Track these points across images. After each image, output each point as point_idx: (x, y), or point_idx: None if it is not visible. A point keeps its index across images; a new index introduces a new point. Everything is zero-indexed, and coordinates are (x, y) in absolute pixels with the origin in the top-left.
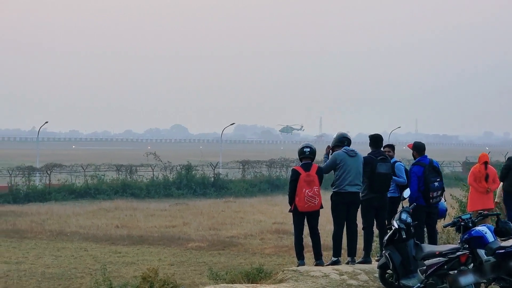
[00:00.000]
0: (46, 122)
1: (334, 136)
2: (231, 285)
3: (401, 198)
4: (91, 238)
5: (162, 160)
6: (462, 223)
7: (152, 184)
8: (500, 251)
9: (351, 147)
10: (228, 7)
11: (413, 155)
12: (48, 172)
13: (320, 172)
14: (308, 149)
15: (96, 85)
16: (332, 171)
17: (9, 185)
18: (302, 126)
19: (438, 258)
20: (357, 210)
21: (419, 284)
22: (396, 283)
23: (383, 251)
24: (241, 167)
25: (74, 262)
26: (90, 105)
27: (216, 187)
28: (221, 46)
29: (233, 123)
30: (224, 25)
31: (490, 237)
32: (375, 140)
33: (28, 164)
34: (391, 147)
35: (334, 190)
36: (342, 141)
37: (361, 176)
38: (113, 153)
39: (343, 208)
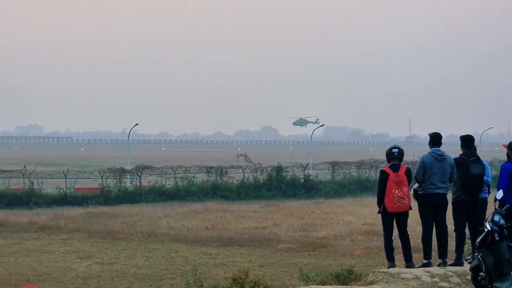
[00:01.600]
0: (137, 124)
1: (428, 136)
2: (322, 286)
3: (494, 200)
4: (181, 239)
5: (252, 162)
6: None
7: (242, 185)
8: None
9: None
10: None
11: (507, 154)
12: (139, 174)
13: (409, 173)
14: (397, 150)
15: (187, 87)
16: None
17: (101, 186)
18: (318, 119)
19: None
20: (445, 212)
21: None
22: (489, 286)
23: (476, 253)
24: (330, 168)
25: (165, 263)
26: (180, 107)
27: (306, 188)
28: (313, 48)
29: (323, 125)
30: (322, 26)
31: None
32: (467, 141)
33: (119, 166)
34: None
35: (420, 192)
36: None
37: (448, 177)
38: (204, 155)
39: (430, 210)
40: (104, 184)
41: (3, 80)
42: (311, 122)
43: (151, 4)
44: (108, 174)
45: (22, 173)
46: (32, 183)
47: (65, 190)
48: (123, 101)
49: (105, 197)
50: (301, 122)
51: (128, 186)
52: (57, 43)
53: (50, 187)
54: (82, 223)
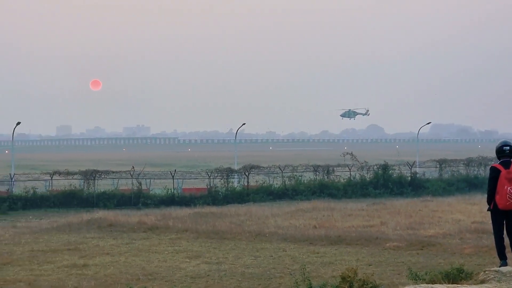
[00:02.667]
0: (244, 124)
1: None
2: (432, 285)
3: None
4: (289, 238)
5: (358, 160)
6: None
7: (349, 184)
8: None
9: None
10: None
11: None
12: (246, 173)
13: None
14: (508, 148)
15: (291, 87)
16: None
17: (209, 187)
18: (367, 110)
19: None
20: None
21: None
22: None
23: None
24: (437, 166)
25: (273, 262)
26: (286, 106)
27: (413, 187)
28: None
29: (429, 122)
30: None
31: None
32: None
33: (226, 166)
34: None
35: None
36: None
37: None
38: (310, 154)
39: None
40: (211, 184)
41: (112, 83)
42: (360, 113)
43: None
44: (216, 174)
45: (130, 174)
46: (140, 183)
47: (172, 191)
48: (230, 101)
49: (212, 197)
50: (349, 114)
51: (235, 186)
52: (162, 46)
53: (158, 188)
54: (190, 223)
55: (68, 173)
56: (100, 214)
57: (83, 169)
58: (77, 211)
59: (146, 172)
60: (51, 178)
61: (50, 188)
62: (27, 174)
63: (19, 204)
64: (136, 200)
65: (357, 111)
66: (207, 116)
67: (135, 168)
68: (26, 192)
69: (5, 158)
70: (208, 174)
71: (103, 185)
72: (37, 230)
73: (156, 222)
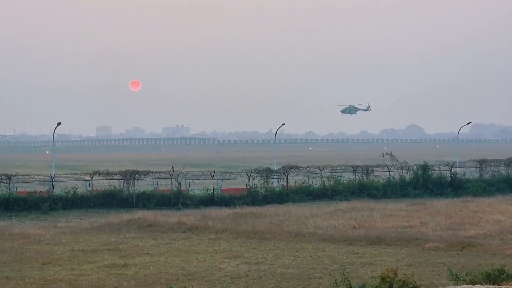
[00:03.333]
0: (283, 124)
1: None
2: (472, 286)
3: None
4: (328, 238)
5: (398, 160)
6: None
7: (388, 184)
8: None
9: None
10: None
11: None
12: (285, 174)
13: None
14: None
15: (331, 87)
16: None
17: (248, 187)
18: (369, 106)
19: None
20: None
21: None
22: None
23: None
24: (478, 166)
25: (312, 262)
26: (326, 107)
27: (453, 187)
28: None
29: (470, 122)
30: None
31: None
32: None
33: (265, 166)
34: None
35: None
36: None
37: None
38: (349, 154)
39: None
40: (251, 185)
41: (152, 84)
42: (362, 109)
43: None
44: (255, 175)
45: (170, 174)
46: (179, 184)
47: (212, 191)
48: (269, 101)
49: (252, 198)
50: (350, 110)
51: (275, 186)
52: (201, 46)
53: (197, 188)
54: (229, 223)
55: (108, 174)
56: (139, 214)
57: (123, 169)
58: (117, 211)
59: (185, 173)
60: (91, 178)
61: (90, 188)
62: (67, 174)
63: (59, 204)
64: (175, 200)
65: (358, 106)
66: (246, 117)
67: (174, 169)
68: (66, 192)
69: (46, 158)
70: (247, 175)
71: (142, 186)
72: (78, 230)
73: (196, 222)
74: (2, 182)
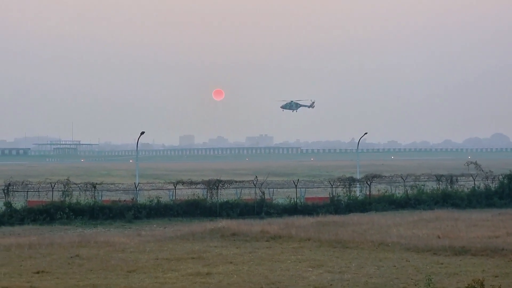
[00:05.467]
0: (366, 134)
1: None
2: None
3: None
4: (412, 248)
5: (483, 170)
6: None
7: (473, 194)
8: None
9: None
10: None
11: None
12: (368, 182)
13: None
14: None
15: (412, 96)
16: None
17: (331, 196)
18: (313, 102)
19: None
20: None
21: None
22: None
23: None
24: None
25: (396, 272)
26: (408, 115)
27: None
28: None
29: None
30: None
31: None
32: None
33: (348, 175)
34: None
35: None
36: None
37: None
38: (432, 163)
39: None
40: (333, 193)
41: (235, 93)
42: (305, 105)
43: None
44: (338, 183)
45: (253, 183)
46: (263, 193)
47: (295, 200)
48: (352, 110)
49: (335, 206)
50: (291, 106)
51: (357, 195)
52: (283, 55)
53: (280, 197)
54: (312, 232)
55: (191, 183)
56: (223, 223)
57: (206, 178)
58: (201, 220)
59: (269, 182)
60: (175, 187)
61: (174, 197)
62: (151, 183)
63: (143, 212)
64: (259, 209)
65: (301, 103)
66: (329, 126)
67: (258, 178)
68: (150, 201)
69: (130, 167)
70: (330, 183)
71: (226, 195)
72: (161, 239)
73: (279, 231)
74: (88, 191)
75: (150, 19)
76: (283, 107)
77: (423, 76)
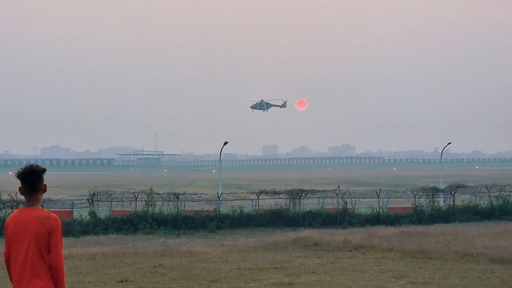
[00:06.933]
0: (449, 143)
1: None
2: None
3: None
4: (497, 259)
5: None
6: None
7: None
8: None
9: None
10: None
11: None
12: (452, 192)
13: None
14: None
15: (495, 104)
16: None
17: (414, 206)
18: (285, 102)
19: None
20: None
21: None
22: None
23: None
24: None
25: (481, 283)
26: (493, 124)
27: None
28: None
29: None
30: None
31: None
32: None
33: (431, 185)
34: None
35: None
36: None
37: None
38: None
39: None
40: (416, 203)
41: (318, 103)
42: (276, 105)
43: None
44: (421, 193)
45: (335, 193)
46: (345, 202)
47: (378, 210)
48: (435, 120)
49: (418, 216)
50: (261, 106)
51: (441, 205)
52: (361, 64)
53: (363, 207)
54: (395, 242)
55: (274, 193)
56: (305, 233)
57: (289, 188)
58: (283, 230)
59: (351, 191)
60: (258, 197)
61: (257, 207)
62: (234, 193)
63: (226, 223)
64: (341, 219)
65: (272, 102)
66: (412, 136)
67: (340, 187)
68: (233, 211)
69: (213, 177)
70: (413, 193)
71: (308, 204)
72: (244, 249)
73: (362, 241)
74: (171, 201)
75: (238, 33)
76: (253, 107)
77: (509, 85)
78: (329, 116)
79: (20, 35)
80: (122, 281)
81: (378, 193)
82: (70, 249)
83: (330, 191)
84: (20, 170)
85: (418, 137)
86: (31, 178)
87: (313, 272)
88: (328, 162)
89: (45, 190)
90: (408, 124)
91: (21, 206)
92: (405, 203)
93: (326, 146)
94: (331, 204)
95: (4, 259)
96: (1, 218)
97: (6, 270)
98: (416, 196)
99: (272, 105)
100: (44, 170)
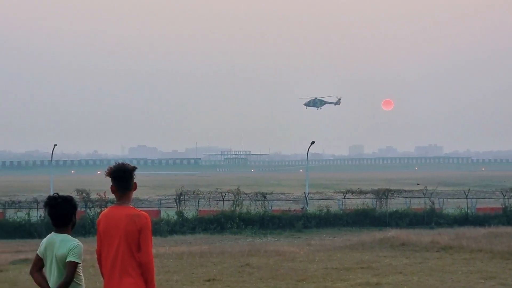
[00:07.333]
0: None
1: None
2: None
3: None
4: None
5: None
6: None
7: None
8: None
9: None
10: None
11: None
12: None
13: None
14: None
15: None
16: None
17: (503, 206)
18: (339, 99)
19: None
20: None
21: None
22: None
23: None
24: None
25: None
26: None
27: None
28: None
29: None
30: None
31: None
32: None
33: None
34: None
35: None
36: None
37: None
38: None
39: None
40: (506, 204)
41: (404, 103)
42: (330, 102)
43: None
44: (511, 194)
45: (423, 193)
46: (433, 203)
47: (466, 210)
48: None
49: (507, 217)
50: (315, 103)
51: None
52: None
53: (450, 207)
54: (484, 243)
55: (360, 192)
56: (392, 233)
57: (375, 188)
58: (370, 229)
59: (438, 191)
60: (344, 197)
61: (343, 207)
62: (320, 193)
63: (313, 222)
64: (428, 219)
65: (326, 99)
66: (501, 135)
67: (427, 188)
68: (319, 211)
69: (300, 177)
70: (502, 194)
71: (395, 204)
72: (331, 248)
73: (449, 241)
74: (258, 201)
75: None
76: (307, 104)
77: None
78: (416, 116)
79: (96, 41)
80: (209, 280)
81: (467, 194)
82: (158, 248)
83: (417, 191)
84: (111, 168)
85: (507, 137)
86: (122, 177)
87: (401, 273)
88: (415, 162)
89: (135, 189)
90: (497, 124)
91: (109, 205)
92: (494, 203)
93: (412, 146)
94: (418, 204)
95: (96, 256)
96: (90, 217)
97: (98, 266)
98: (506, 197)
99: (325, 102)
100: (134, 169)
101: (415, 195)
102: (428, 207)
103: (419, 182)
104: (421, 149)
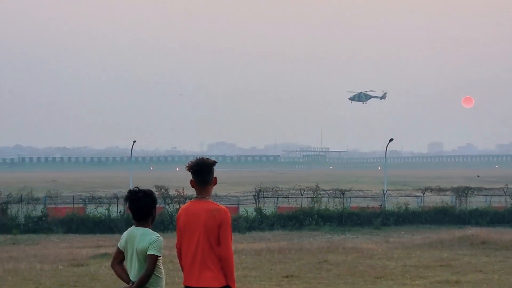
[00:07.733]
0: None
1: None
2: None
3: None
4: None
5: None
6: None
7: None
8: None
9: None
10: None
11: None
12: None
13: None
14: None
15: None
16: None
17: None
18: (385, 93)
19: None
20: None
21: None
22: None
23: None
24: None
25: None
26: None
27: None
28: None
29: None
30: None
31: None
32: None
33: None
34: None
35: None
36: None
37: None
38: None
39: None
40: None
41: (485, 100)
42: (376, 96)
43: None
44: None
45: (503, 191)
46: None
47: None
48: None
49: None
50: (360, 97)
51: None
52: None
53: None
54: None
55: (439, 190)
56: (472, 231)
57: (455, 185)
58: (449, 227)
59: None
60: (423, 194)
61: (422, 204)
62: (399, 190)
63: (391, 219)
64: (509, 217)
65: (371, 94)
66: None
67: (508, 186)
68: (398, 208)
69: (378, 174)
70: None
71: (475, 202)
72: (409, 246)
73: None
74: (336, 197)
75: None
76: (351, 98)
77: None
78: (497, 113)
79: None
80: (287, 277)
81: None
82: (236, 244)
83: (498, 189)
84: (191, 163)
85: None
86: (203, 171)
87: (480, 271)
88: (496, 160)
89: (215, 183)
90: None
91: (187, 201)
92: None
93: (493, 143)
94: (499, 203)
95: (176, 250)
96: (169, 213)
97: (178, 260)
98: None
99: (371, 97)
100: (214, 163)
101: (495, 193)
102: (509, 205)
103: (500, 180)
104: (503, 147)
